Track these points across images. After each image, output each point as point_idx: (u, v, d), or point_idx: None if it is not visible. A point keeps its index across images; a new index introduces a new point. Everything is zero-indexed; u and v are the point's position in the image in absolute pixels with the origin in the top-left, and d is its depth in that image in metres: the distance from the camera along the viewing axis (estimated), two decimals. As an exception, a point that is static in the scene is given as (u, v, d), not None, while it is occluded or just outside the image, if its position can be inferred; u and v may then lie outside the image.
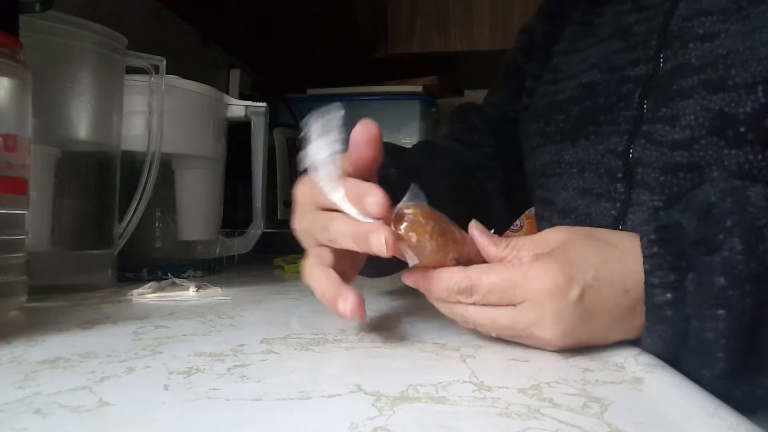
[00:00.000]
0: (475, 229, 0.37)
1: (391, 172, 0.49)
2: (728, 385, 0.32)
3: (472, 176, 0.65)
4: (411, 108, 1.39)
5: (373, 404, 0.25)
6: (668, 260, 0.32)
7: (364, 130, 0.36)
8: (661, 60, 0.47)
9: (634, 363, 0.33)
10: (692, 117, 0.42)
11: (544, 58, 0.63)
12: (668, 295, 0.32)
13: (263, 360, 0.31)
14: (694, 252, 0.32)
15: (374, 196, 0.34)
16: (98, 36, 0.55)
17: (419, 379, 0.28)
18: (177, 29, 1.07)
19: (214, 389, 0.26)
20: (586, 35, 0.57)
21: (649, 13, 0.50)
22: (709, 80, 0.42)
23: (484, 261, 0.37)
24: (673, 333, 0.32)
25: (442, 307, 0.37)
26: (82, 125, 0.56)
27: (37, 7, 0.45)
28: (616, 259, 0.34)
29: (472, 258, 0.36)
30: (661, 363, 0.33)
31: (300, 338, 0.37)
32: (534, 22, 0.69)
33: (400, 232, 0.34)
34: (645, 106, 0.46)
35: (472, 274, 0.34)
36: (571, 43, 0.59)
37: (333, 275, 0.37)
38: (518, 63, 0.68)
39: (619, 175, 0.47)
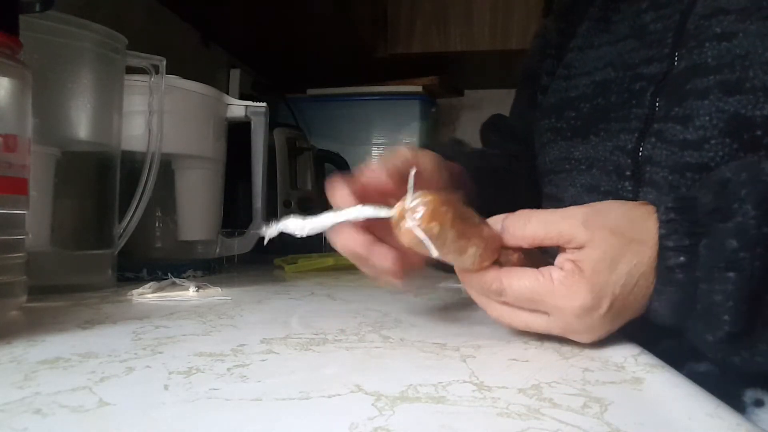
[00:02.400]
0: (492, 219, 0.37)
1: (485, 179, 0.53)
2: (729, 351, 0.33)
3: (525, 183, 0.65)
4: (411, 108, 1.39)
5: (373, 404, 0.25)
6: (684, 225, 0.33)
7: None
8: (676, 59, 0.46)
9: (634, 363, 0.33)
10: (707, 118, 0.42)
11: (559, 54, 0.63)
12: (681, 258, 0.33)
13: (263, 360, 0.31)
14: (710, 220, 0.33)
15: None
16: (98, 36, 0.55)
17: (419, 379, 0.28)
18: (177, 29, 1.07)
19: (214, 389, 0.26)
20: (603, 32, 0.56)
21: (666, 11, 0.49)
22: (726, 81, 0.41)
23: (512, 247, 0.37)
24: (682, 296, 0.33)
25: (480, 301, 0.38)
26: (82, 125, 0.56)
27: (37, 7, 0.44)
28: (645, 262, 0.34)
29: (495, 245, 0.36)
30: (661, 363, 0.33)
31: (300, 338, 0.37)
32: (547, 22, 0.69)
33: (417, 224, 0.33)
34: (657, 105, 0.46)
35: (504, 276, 0.35)
36: (587, 39, 0.58)
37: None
38: (533, 67, 0.69)
39: (628, 173, 0.47)
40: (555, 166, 0.56)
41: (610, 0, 0.58)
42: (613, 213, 0.36)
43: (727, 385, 0.38)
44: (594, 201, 0.36)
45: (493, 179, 0.60)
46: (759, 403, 0.40)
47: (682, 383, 0.29)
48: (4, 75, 0.39)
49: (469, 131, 1.62)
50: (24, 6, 0.42)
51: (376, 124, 1.41)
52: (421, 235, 0.33)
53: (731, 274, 0.31)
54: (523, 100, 0.72)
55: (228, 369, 0.29)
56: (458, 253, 0.35)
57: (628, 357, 0.34)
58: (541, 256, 0.38)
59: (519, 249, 0.37)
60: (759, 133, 0.39)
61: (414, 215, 0.33)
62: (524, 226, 0.36)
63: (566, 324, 0.35)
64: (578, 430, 0.22)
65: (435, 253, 0.34)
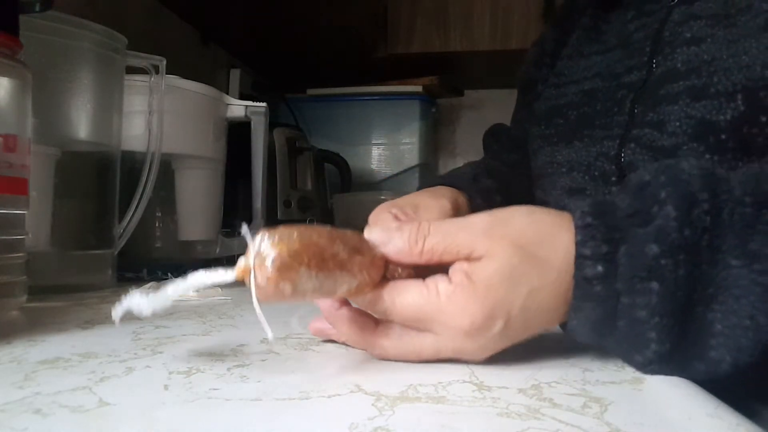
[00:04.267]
0: (375, 233, 0.32)
1: (498, 200, 0.53)
2: (662, 370, 0.30)
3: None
4: (411, 108, 1.39)
5: (373, 404, 0.25)
6: (601, 231, 0.30)
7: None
8: (654, 65, 0.47)
9: (634, 363, 0.33)
10: (677, 123, 0.43)
11: (553, 63, 0.64)
12: (599, 268, 0.29)
13: (263, 360, 0.31)
14: (628, 224, 0.30)
15: None
16: (98, 36, 0.55)
17: (419, 379, 0.28)
18: (177, 29, 1.07)
19: (214, 389, 0.26)
20: (593, 41, 0.57)
21: (648, 20, 0.50)
22: (693, 87, 0.42)
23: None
24: (602, 312, 0.30)
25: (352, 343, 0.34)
26: (82, 125, 0.56)
27: (37, 7, 0.44)
28: (551, 283, 0.30)
29: (376, 267, 0.31)
30: (661, 363, 0.33)
31: (300, 338, 0.37)
32: (545, 31, 0.71)
33: (264, 288, 0.27)
34: (635, 111, 0.47)
35: (386, 293, 0.31)
36: (577, 48, 0.60)
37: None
38: (530, 75, 0.70)
39: (614, 179, 0.48)
40: (541, 171, 0.57)
41: (600, 10, 0.59)
42: (519, 222, 0.32)
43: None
44: (578, 203, 0.33)
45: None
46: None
47: (682, 383, 0.29)
48: (4, 75, 0.39)
49: (469, 131, 1.62)
50: (24, 6, 0.42)
51: (376, 124, 1.41)
52: (273, 298, 0.27)
53: (654, 285, 0.28)
54: (523, 109, 0.73)
55: (228, 369, 0.29)
56: (329, 294, 0.29)
57: (628, 357, 0.34)
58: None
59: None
60: (723, 137, 0.40)
61: (260, 275, 0.27)
62: (421, 239, 0.31)
63: (455, 345, 0.30)
64: (578, 430, 0.22)
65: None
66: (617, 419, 0.24)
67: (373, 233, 0.32)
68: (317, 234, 0.28)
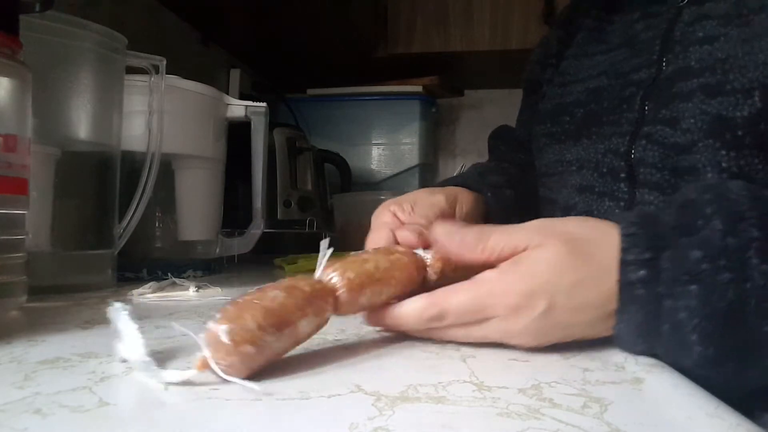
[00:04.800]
0: (439, 230, 0.36)
1: (508, 193, 0.53)
2: (715, 376, 0.30)
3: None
4: (411, 108, 1.39)
5: (373, 404, 0.25)
6: (645, 239, 0.31)
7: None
8: (664, 64, 0.47)
9: (634, 363, 0.33)
10: (692, 120, 0.43)
11: (558, 64, 0.64)
12: (642, 272, 0.31)
13: (263, 360, 0.31)
14: (673, 233, 0.31)
15: None
16: (98, 36, 0.55)
17: (419, 379, 0.28)
18: (177, 29, 1.07)
19: (214, 389, 0.26)
20: (597, 41, 0.58)
21: (655, 21, 0.51)
22: (708, 84, 0.43)
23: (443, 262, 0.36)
24: (645, 314, 0.31)
25: (416, 334, 0.36)
26: (82, 125, 0.56)
27: (37, 7, 0.44)
28: (596, 279, 0.32)
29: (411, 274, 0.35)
30: (661, 363, 0.33)
31: (300, 338, 0.37)
32: (549, 33, 0.71)
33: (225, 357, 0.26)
34: (646, 108, 0.47)
35: (439, 299, 0.33)
36: (582, 48, 0.60)
37: None
38: (535, 75, 0.70)
39: (623, 175, 0.48)
40: (549, 169, 0.57)
41: (604, 12, 0.60)
42: (571, 223, 0.35)
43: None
44: (587, 201, 0.35)
45: (522, 203, 0.61)
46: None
47: (682, 383, 0.29)
48: (4, 75, 0.39)
49: (469, 131, 1.62)
50: (24, 6, 0.42)
51: (376, 124, 1.41)
52: (242, 367, 0.27)
53: (693, 287, 0.29)
54: (528, 110, 0.73)
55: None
56: (294, 344, 0.31)
57: (628, 357, 0.34)
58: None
59: (446, 259, 0.36)
60: (740, 133, 0.40)
61: (218, 356, 0.26)
62: (488, 237, 0.34)
63: (502, 325, 0.33)
64: (578, 430, 0.22)
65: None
66: (617, 419, 0.24)
67: (440, 227, 0.35)
68: (269, 298, 0.29)
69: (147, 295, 0.53)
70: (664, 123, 0.45)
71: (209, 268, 0.74)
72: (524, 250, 0.33)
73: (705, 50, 0.44)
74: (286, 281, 0.31)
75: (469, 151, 1.61)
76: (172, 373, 0.26)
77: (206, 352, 0.26)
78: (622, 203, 0.47)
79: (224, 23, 1.12)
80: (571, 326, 0.33)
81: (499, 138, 0.76)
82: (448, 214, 0.42)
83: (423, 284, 0.37)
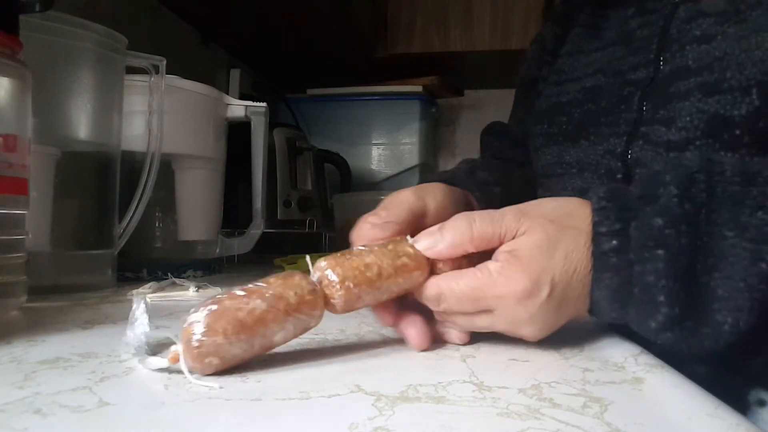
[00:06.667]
0: (422, 241, 0.36)
1: (496, 191, 0.53)
2: (675, 338, 0.32)
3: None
4: (411, 108, 1.39)
5: (373, 404, 0.25)
6: (615, 211, 0.34)
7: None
8: (661, 63, 0.47)
9: (634, 363, 0.33)
10: (688, 119, 0.43)
11: (554, 61, 0.64)
12: (614, 242, 0.33)
13: (263, 360, 0.31)
14: (638, 204, 0.34)
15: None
16: (98, 36, 0.55)
17: (419, 379, 0.28)
18: (177, 29, 1.07)
19: (214, 389, 0.26)
20: (592, 38, 0.58)
21: (651, 18, 0.51)
22: (705, 83, 0.42)
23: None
24: (619, 281, 0.33)
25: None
26: (82, 125, 0.56)
27: (37, 7, 0.44)
28: (583, 245, 0.34)
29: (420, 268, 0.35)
30: (661, 363, 0.33)
31: (300, 338, 0.37)
32: (544, 28, 0.70)
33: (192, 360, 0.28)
34: (644, 109, 0.47)
35: (441, 281, 0.35)
36: (576, 45, 0.60)
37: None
38: (532, 73, 0.69)
39: (619, 176, 0.48)
40: (547, 171, 0.57)
41: (598, 7, 0.59)
42: (548, 204, 0.37)
43: (729, 386, 0.38)
44: (594, 189, 0.36)
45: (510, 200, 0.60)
46: (761, 403, 0.40)
47: (682, 383, 0.29)
48: (4, 75, 0.39)
49: (469, 131, 1.62)
50: (24, 6, 0.42)
51: (376, 124, 1.41)
52: (207, 371, 0.28)
53: (660, 252, 0.32)
54: (523, 106, 0.72)
55: (228, 368, 0.29)
56: (267, 348, 0.31)
57: (628, 357, 0.34)
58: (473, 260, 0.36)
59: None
60: (738, 132, 0.40)
61: (188, 356, 0.28)
62: (470, 227, 0.35)
63: (509, 314, 0.34)
64: (578, 430, 0.22)
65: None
66: (617, 419, 0.24)
67: (420, 242, 0.36)
68: (248, 309, 0.29)
69: (147, 295, 0.53)
70: (660, 123, 0.45)
71: (209, 268, 0.74)
72: (511, 234, 0.35)
73: (702, 49, 0.44)
74: (280, 281, 0.31)
75: (469, 151, 1.61)
76: (156, 360, 0.28)
77: (179, 348, 0.28)
78: None
79: (224, 23, 1.12)
80: (567, 301, 0.34)
81: (492, 134, 0.76)
82: (417, 208, 0.41)
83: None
